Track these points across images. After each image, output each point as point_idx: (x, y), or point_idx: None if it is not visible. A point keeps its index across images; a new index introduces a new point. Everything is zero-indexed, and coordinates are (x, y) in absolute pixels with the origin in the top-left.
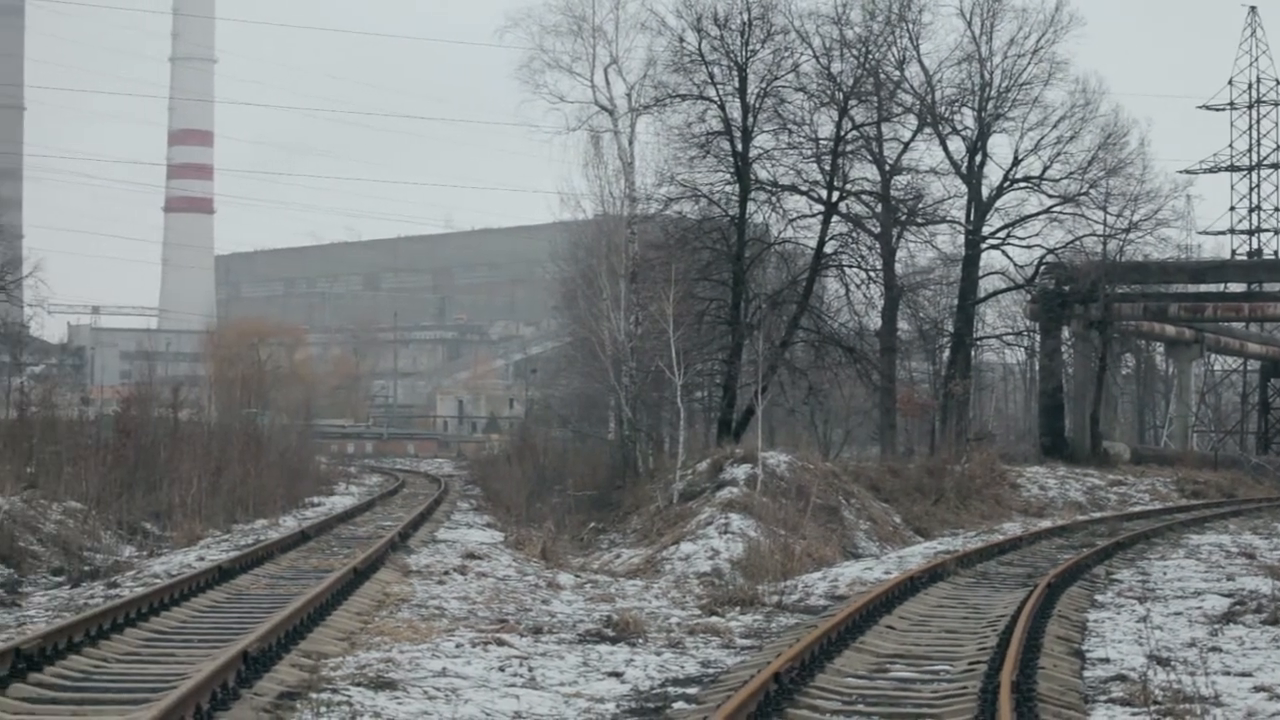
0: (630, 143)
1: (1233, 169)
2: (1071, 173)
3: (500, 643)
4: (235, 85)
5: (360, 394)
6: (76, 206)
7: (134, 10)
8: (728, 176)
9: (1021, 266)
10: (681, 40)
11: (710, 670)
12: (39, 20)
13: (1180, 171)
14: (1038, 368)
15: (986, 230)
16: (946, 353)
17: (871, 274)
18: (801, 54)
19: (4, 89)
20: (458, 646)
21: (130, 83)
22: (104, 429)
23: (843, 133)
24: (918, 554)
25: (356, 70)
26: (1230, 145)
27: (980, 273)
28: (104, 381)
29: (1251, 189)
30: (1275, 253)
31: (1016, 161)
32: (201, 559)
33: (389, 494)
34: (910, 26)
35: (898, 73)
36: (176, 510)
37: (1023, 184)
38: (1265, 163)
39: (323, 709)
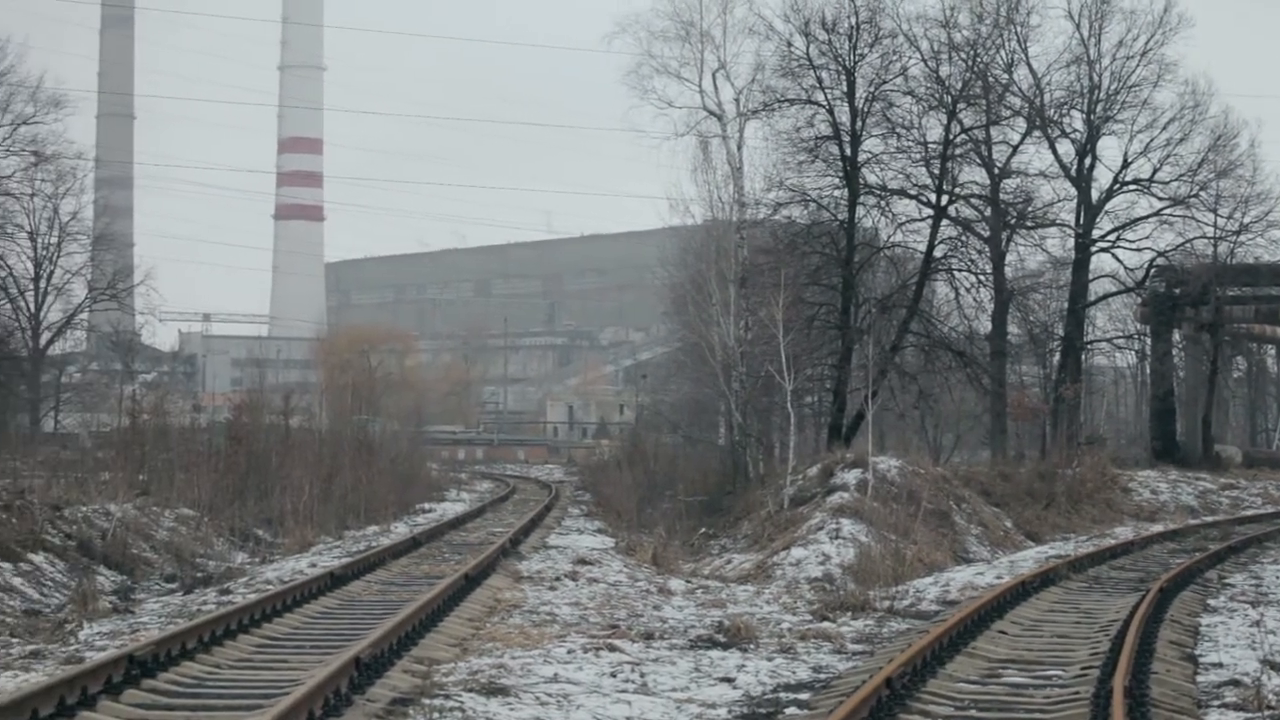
0: (739, 147)
1: None
2: (1181, 175)
3: (612, 648)
4: (343, 93)
5: (471, 400)
6: (187, 214)
7: (243, 19)
8: (836, 181)
9: (1132, 270)
10: (789, 45)
11: (822, 675)
12: (149, 29)
13: None
14: (1149, 371)
15: (1096, 233)
16: (1057, 356)
17: (981, 278)
18: (910, 58)
19: (114, 98)
20: (569, 652)
21: (240, 91)
22: (216, 436)
23: (951, 136)
24: (1029, 559)
25: (460, 76)
26: None
27: (1090, 276)
28: (215, 388)
29: None
30: None
31: (1126, 164)
32: (313, 565)
33: (499, 500)
34: (1018, 29)
35: (1006, 76)
36: (288, 517)
37: (1132, 186)
38: None
39: (435, 715)
